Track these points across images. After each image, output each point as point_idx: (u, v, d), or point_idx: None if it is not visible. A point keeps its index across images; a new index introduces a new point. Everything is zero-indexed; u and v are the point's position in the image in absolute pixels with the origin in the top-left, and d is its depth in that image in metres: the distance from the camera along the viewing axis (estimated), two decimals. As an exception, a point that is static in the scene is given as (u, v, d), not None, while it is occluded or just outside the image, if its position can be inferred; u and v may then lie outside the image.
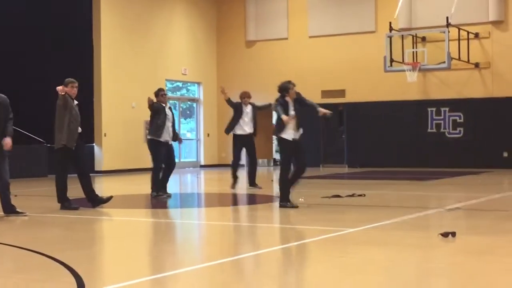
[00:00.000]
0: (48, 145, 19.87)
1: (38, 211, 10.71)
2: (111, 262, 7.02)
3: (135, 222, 10.01)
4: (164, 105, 12.75)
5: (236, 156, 14.68)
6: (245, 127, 14.70)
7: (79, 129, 10.75)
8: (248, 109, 14.80)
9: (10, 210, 9.88)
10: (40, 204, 12.01)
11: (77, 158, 10.81)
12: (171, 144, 12.88)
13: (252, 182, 14.54)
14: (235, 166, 14.59)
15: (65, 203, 10.72)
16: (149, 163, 22.71)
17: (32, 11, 21.13)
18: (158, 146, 12.61)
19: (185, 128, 26.06)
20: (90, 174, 11.29)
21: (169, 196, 12.75)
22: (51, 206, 10.99)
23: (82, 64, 20.85)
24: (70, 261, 6.30)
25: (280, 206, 10.67)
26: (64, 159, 10.74)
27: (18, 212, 9.90)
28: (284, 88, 10.99)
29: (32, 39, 21.05)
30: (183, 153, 25.61)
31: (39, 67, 20.96)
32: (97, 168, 21.27)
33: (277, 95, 11.21)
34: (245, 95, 14.94)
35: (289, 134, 10.77)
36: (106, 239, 8.75)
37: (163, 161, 12.64)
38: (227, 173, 15.12)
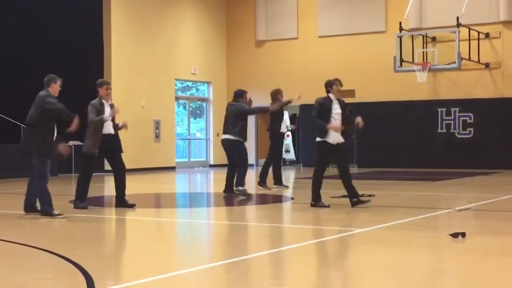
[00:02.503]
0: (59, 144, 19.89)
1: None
2: (121, 260, 7.04)
3: (145, 222, 10.04)
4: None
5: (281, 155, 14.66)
6: (283, 125, 14.76)
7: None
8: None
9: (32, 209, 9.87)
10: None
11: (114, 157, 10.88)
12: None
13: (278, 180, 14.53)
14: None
15: (78, 202, 10.73)
16: (159, 162, 22.92)
17: (43, 12, 21.20)
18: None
19: (194, 128, 26.10)
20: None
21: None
22: (62, 205, 11.04)
23: (92, 63, 20.92)
24: (80, 259, 6.34)
25: (312, 205, 10.70)
26: (91, 161, 10.79)
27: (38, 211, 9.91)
28: (328, 84, 10.82)
29: (43, 40, 21.13)
30: (193, 153, 25.66)
31: (49, 67, 20.97)
32: (107, 167, 21.29)
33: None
34: (277, 92, 14.49)
35: (333, 137, 10.65)
36: (117, 238, 8.78)
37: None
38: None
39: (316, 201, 10.72)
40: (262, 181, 14.32)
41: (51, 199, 9.70)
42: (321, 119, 10.62)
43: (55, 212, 9.64)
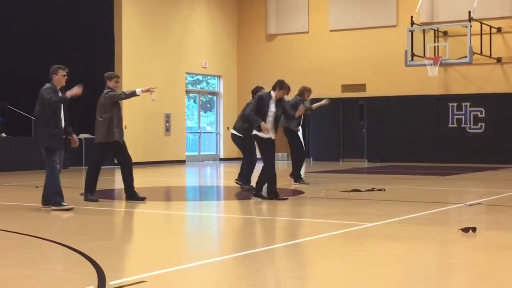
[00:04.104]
0: (69, 137, 19.96)
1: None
2: (131, 253, 7.07)
3: (155, 215, 10.07)
4: None
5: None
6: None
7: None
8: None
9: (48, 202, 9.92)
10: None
11: (120, 150, 10.87)
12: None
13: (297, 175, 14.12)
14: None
15: (88, 195, 10.77)
16: (170, 156, 22.95)
17: (55, 4, 21.23)
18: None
19: (205, 122, 26.12)
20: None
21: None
22: (73, 197, 11.08)
23: (103, 57, 20.95)
24: (91, 252, 6.36)
25: (255, 195, 11.14)
26: (104, 153, 10.81)
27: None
28: (279, 84, 11.26)
29: (54, 31, 21.16)
30: (203, 147, 25.69)
31: (60, 61, 21.06)
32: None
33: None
34: (306, 90, 13.94)
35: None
36: (127, 231, 8.81)
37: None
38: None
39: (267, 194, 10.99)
40: (297, 177, 13.98)
41: (60, 190, 9.71)
42: (258, 114, 10.93)
43: (65, 203, 9.66)
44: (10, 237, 7.67)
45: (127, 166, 10.91)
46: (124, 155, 10.88)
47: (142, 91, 10.79)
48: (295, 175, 13.97)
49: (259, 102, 11.06)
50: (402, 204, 10.75)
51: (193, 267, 5.95)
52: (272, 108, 11.05)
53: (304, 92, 13.87)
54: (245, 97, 15.34)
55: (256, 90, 12.74)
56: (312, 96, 14.44)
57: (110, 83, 10.83)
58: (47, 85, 9.75)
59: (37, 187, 12.84)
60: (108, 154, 10.91)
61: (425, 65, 20.60)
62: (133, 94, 10.76)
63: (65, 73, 9.89)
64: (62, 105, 9.76)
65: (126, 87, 21.35)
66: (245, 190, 12.54)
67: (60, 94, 9.78)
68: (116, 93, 10.74)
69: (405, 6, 22.62)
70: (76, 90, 9.67)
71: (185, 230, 8.94)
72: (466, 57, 20.02)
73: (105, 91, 10.78)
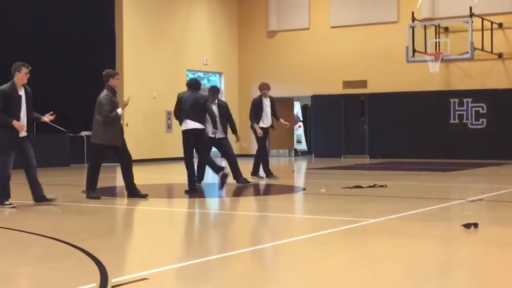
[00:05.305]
0: (71, 134, 20.01)
1: (62, 200, 10.80)
2: (134, 251, 7.07)
3: (158, 212, 10.07)
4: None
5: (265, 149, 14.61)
6: (266, 119, 14.54)
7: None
8: (267, 102, 14.61)
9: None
10: (64, 193, 12.10)
11: (119, 149, 10.86)
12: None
13: (268, 172, 14.48)
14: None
15: (90, 192, 10.77)
16: (171, 153, 22.95)
17: (55, 3, 21.23)
18: None
19: (206, 118, 26.06)
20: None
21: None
22: (75, 195, 11.08)
23: (103, 54, 20.94)
24: (93, 250, 6.36)
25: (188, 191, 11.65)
26: (103, 152, 10.81)
27: (47, 199, 9.97)
28: (194, 82, 12.37)
29: (56, 28, 21.16)
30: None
31: (60, 59, 21.10)
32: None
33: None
34: (265, 87, 14.69)
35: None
36: (129, 228, 8.81)
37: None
38: (248, 163, 15.10)
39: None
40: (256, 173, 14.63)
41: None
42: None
43: (7, 202, 9.74)
44: (12, 235, 7.68)
45: (126, 164, 10.90)
46: (124, 153, 10.87)
47: (122, 110, 10.80)
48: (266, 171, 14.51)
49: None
50: (404, 200, 10.75)
51: (195, 264, 5.95)
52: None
53: (263, 88, 14.59)
54: (246, 93, 15.32)
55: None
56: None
57: (113, 81, 10.81)
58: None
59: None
60: (107, 152, 10.90)
61: (426, 61, 20.57)
62: (116, 116, 10.71)
63: (28, 70, 9.78)
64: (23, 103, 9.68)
65: (127, 85, 21.38)
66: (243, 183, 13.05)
67: (20, 93, 9.67)
68: (108, 114, 10.59)
69: (406, 2, 22.58)
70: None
71: (187, 227, 8.95)
72: (467, 53, 19.99)
73: (104, 93, 10.72)
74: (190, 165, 11.79)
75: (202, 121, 11.87)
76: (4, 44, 19.90)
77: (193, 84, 12.20)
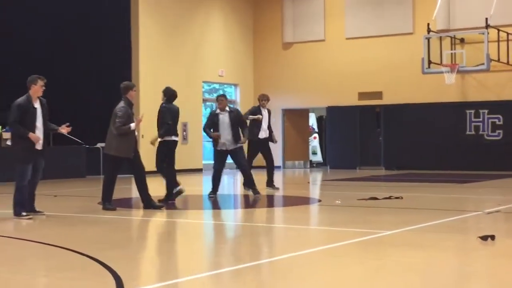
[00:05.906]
0: (87, 146, 20.11)
1: (78, 211, 10.86)
2: (149, 262, 7.08)
3: (173, 223, 10.09)
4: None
5: (250, 162, 14.45)
6: (263, 131, 14.50)
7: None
8: (265, 113, 14.62)
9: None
10: (79, 204, 12.16)
11: (133, 161, 10.90)
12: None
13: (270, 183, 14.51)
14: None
15: (106, 204, 10.81)
16: (187, 164, 22.97)
17: (70, 13, 21.39)
18: None
19: (221, 130, 26.09)
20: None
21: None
22: (91, 206, 11.12)
23: (120, 66, 21.04)
24: (109, 260, 6.38)
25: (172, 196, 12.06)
26: (118, 163, 10.85)
27: (36, 212, 10.02)
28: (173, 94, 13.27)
29: (71, 41, 21.33)
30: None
31: (77, 70, 21.25)
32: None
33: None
34: (265, 98, 14.68)
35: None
36: (145, 239, 8.83)
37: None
38: (261, 175, 15.09)
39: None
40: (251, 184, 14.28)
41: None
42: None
43: (24, 213, 9.76)
44: (29, 246, 7.72)
45: (140, 176, 10.95)
46: (137, 165, 10.92)
47: (136, 125, 10.83)
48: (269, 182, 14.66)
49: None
50: (419, 212, 10.70)
51: (210, 276, 5.95)
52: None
53: (262, 99, 14.86)
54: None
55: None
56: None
57: (131, 94, 10.89)
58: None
59: (55, 196, 12.92)
60: (122, 163, 10.95)
61: (442, 72, 20.53)
62: (128, 130, 10.74)
63: (43, 83, 9.84)
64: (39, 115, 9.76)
65: (143, 96, 21.48)
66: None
67: (35, 105, 9.74)
68: (120, 125, 10.64)
69: (422, 14, 22.57)
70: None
71: (203, 238, 8.95)
72: (483, 64, 19.94)
73: (121, 105, 10.77)
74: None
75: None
76: (19, 56, 20.09)
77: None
